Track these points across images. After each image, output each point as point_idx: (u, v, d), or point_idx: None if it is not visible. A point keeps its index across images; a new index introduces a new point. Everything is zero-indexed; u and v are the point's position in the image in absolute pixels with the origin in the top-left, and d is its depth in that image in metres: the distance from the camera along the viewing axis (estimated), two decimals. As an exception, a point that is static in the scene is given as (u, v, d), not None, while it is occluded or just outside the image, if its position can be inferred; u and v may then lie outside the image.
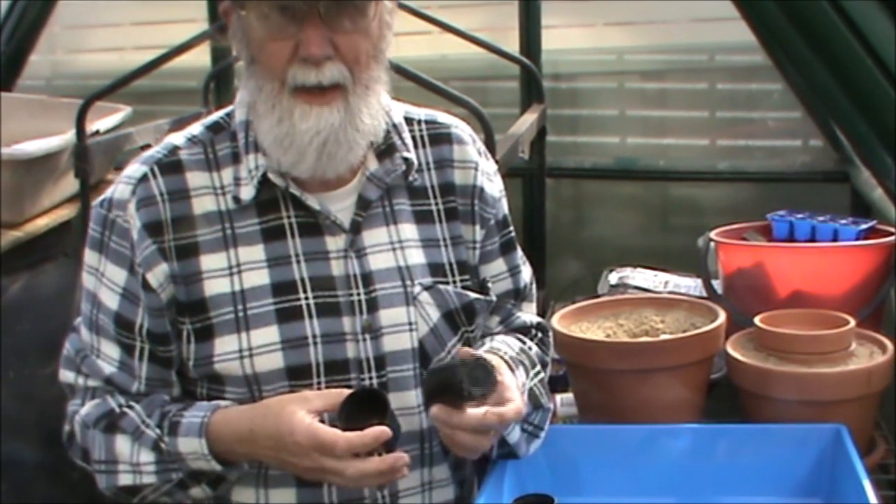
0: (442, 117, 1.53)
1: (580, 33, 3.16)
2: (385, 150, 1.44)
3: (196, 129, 1.45)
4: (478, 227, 1.50)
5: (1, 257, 2.27)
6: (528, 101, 2.88)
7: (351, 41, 1.32)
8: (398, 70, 2.01)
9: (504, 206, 1.56)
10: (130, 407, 1.39)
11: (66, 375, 1.46)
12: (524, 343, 1.54)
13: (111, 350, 1.41)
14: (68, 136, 2.43)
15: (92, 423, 1.40)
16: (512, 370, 1.40)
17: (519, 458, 1.48)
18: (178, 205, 1.38)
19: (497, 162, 1.99)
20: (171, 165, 1.40)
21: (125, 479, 1.39)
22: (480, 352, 1.39)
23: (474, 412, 1.29)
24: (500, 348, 1.46)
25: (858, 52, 1.26)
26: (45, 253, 2.46)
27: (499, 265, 1.54)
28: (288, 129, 1.33)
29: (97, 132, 2.52)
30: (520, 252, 1.58)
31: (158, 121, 2.75)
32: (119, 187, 1.41)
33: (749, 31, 1.63)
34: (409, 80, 2.08)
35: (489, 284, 1.51)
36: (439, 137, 1.51)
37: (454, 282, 1.46)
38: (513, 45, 2.90)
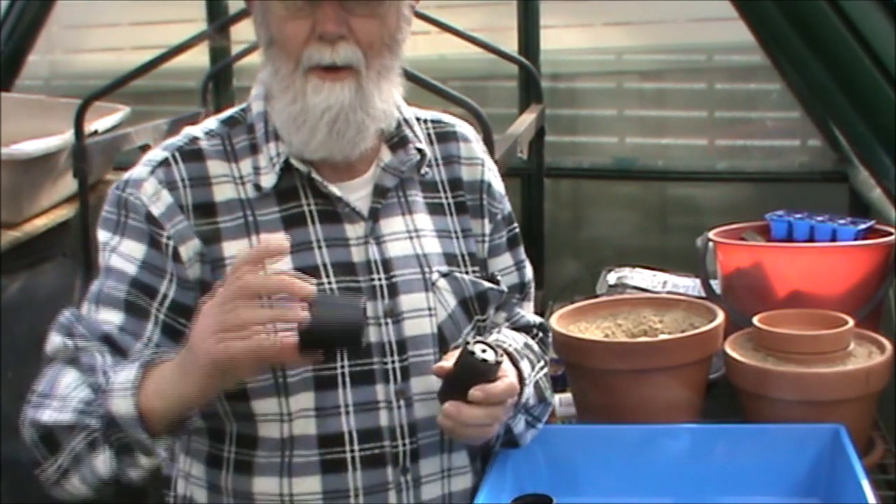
0: (446, 117, 1.59)
1: (579, 33, 3.16)
2: (398, 142, 1.48)
3: (212, 123, 1.47)
4: (486, 221, 1.54)
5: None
6: (526, 101, 2.88)
7: (366, 25, 1.35)
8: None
9: (508, 203, 1.60)
10: (103, 354, 1.33)
11: (54, 340, 1.37)
12: (528, 340, 1.55)
13: (115, 316, 1.36)
14: (67, 136, 2.43)
15: (56, 357, 1.35)
16: (514, 361, 1.42)
17: (519, 447, 1.51)
18: (199, 191, 1.40)
19: (496, 162, 2.01)
20: (192, 153, 1.42)
21: (46, 415, 1.30)
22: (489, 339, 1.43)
23: (477, 406, 1.32)
24: (504, 340, 1.48)
25: (857, 51, 1.26)
26: (44, 253, 2.46)
27: (506, 259, 1.57)
28: (301, 107, 1.36)
29: (95, 132, 2.53)
30: (523, 248, 1.62)
31: (157, 121, 2.75)
32: (137, 169, 1.42)
33: (747, 30, 1.62)
34: (407, 80, 2.07)
35: (499, 277, 1.54)
36: (446, 135, 1.55)
37: (467, 272, 1.49)
38: (511, 45, 2.90)
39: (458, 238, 1.51)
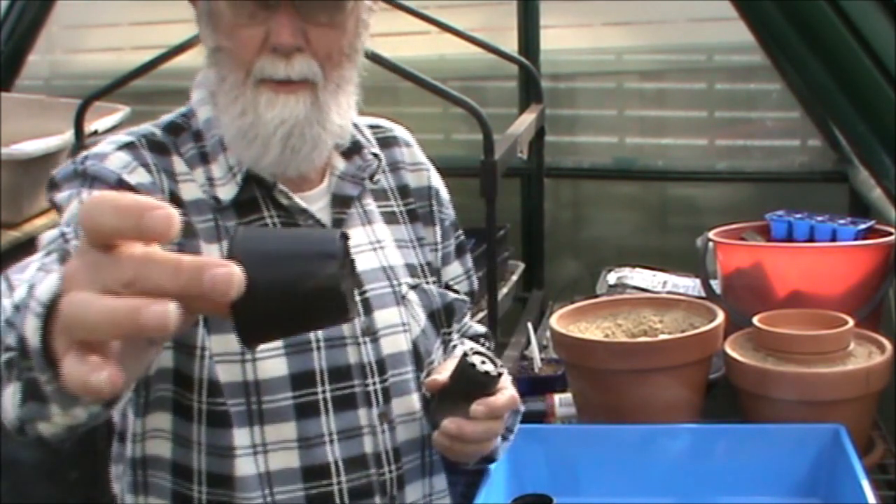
0: (383, 122, 1.51)
1: (578, 33, 3.15)
2: (351, 148, 1.40)
3: (153, 130, 1.35)
4: (437, 229, 1.48)
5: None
6: (526, 101, 2.88)
7: (324, 35, 1.25)
8: (397, 70, 2.02)
9: (452, 210, 1.54)
10: None
11: (50, 234, 1.18)
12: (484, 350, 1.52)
13: None
14: (67, 137, 2.42)
15: (41, 247, 1.15)
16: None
17: (495, 462, 1.44)
18: (170, 182, 1.29)
19: (496, 162, 2.01)
20: (157, 144, 1.32)
21: None
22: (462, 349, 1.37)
23: (478, 422, 1.26)
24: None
25: (857, 51, 1.26)
26: (44, 253, 2.45)
27: (456, 268, 1.53)
28: (252, 120, 1.26)
29: (95, 132, 2.52)
30: (469, 256, 1.57)
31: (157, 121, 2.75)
32: (97, 147, 1.30)
33: (747, 30, 1.63)
34: (407, 80, 2.09)
35: (456, 287, 1.49)
36: (387, 141, 1.48)
37: (428, 282, 1.43)
38: (511, 45, 2.90)
39: (414, 247, 1.44)
